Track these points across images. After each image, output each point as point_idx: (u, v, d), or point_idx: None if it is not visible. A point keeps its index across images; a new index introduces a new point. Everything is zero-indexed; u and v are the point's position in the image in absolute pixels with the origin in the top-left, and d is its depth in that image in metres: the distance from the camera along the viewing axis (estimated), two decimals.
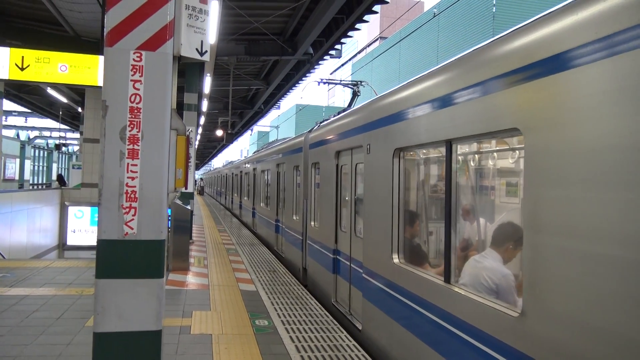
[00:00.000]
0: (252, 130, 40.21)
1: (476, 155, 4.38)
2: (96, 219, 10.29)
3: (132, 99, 2.76)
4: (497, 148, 4.04)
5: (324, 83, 11.58)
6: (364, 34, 67.04)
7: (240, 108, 25.10)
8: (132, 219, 2.76)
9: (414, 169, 5.31)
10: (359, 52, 65.83)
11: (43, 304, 6.75)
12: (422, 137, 4.51)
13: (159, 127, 2.81)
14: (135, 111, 2.76)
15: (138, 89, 2.76)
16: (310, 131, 10.00)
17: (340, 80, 11.78)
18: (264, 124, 47.09)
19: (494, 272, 3.76)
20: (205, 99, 18.15)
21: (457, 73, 4.01)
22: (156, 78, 2.79)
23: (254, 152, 22.94)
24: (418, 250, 5.19)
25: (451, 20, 26.73)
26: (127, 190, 2.76)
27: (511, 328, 3.08)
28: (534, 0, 22.83)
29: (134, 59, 2.76)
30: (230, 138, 19.56)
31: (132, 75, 2.76)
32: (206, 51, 3.02)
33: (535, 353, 2.85)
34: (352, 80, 11.41)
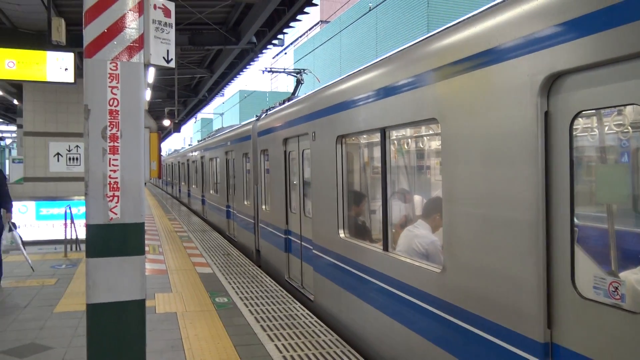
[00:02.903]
0: (196, 118, 39.92)
1: (408, 140, 5.06)
2: (42, 214, 10.46)
3: (111, 103, 3.21)
4: (424, 134, 4.73)
5: (268, 72, 11.99)
6: (305, 16, 67.20)
7: (184, 96, 24.99)
8: (116, 206, 3.23)
9: (355, 154, 5.97)
10: (301, 37, 66.04)
11: (7, 295, 7.00)
12: (361, 125, 5.13)
13: (134, 126, 3.27)
14: (114, 113, 3.21)
15: (115, 94, 3.21)
16: (258, 119, 10.42)
17: (284, 69, 12.23)
18: (208, 111, 46.75)
19: (424, 239, 4.49)
20: (148, 89, 18.14)
21: (390, 69, 4.62)
22: (130, 84, 3.25)
23: (201, 140, 23.03)
24: (361, 226, 5.87)
25: (389, 6, 27.59)
26: (110, 181, 3.21)
27: (435, 281, 3.80)
28: None
29: (110, 68, 3.20)
30: (177, 127, 19.67)
31: (110, 82, 3.20)
32: (172, 59, 3.49)
33: (453, 299, 3.57)
34: (295, 69, 11.91)
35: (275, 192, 8.74)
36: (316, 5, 11.31)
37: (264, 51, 15.28)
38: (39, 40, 11.19)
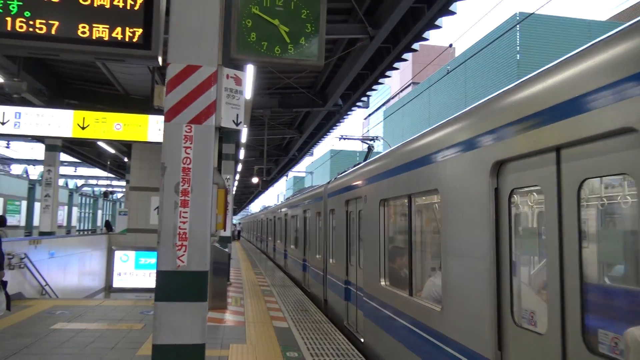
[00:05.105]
0: (287, 175, 41.35)
1: (427, 205, 5.92)
2: (140, 263, 11.37)
3: (184, 162, 3.58)
4: (436, 201, 5.44)
5: (344, 139, 13.23)
6: (397, 79, 68.57)
7: (276, 155, 26.22)
8: (183, 254, 3.54)
9: (391, 214, 6.95)
10: (392, 98, 67.21)
11: (98, 336, 7.57)
12: (395, 191, 6.27)
13: (204, 183, 3.62)
14: (187, 170, 3.58)
15: (189, 154, 3.59)
16: (329, 182, 11.63)
17: (361, 136, 13.20)
18: (299, 169, 48.34)
19: (439, 288, 5.04)
20: (242, 148, 19.28)
21: (412, 148, 5.73)
22: (202, 145, 3.62)
23: (286, 199, 23.94)
24: (396, 275, 6.64)
25: (478, 66, 27.58)
26: (179, 231, 3.54)
27: (436, 318, 4.76)
28: (556, 44, 23.47)
29: (186, 131, 3.60)
30: (266, 185, 20.56)
31: (184, 143, 3.59)
32: (240, 122, 3.85)
33: (448, 332, 4.45)
34: (368, 137, 12.76)
35: (338, 247, 9.85)
36: (397, 69, 11.70)
37: (349, 112, 15.87)
38: (145, 105, 12.50)
